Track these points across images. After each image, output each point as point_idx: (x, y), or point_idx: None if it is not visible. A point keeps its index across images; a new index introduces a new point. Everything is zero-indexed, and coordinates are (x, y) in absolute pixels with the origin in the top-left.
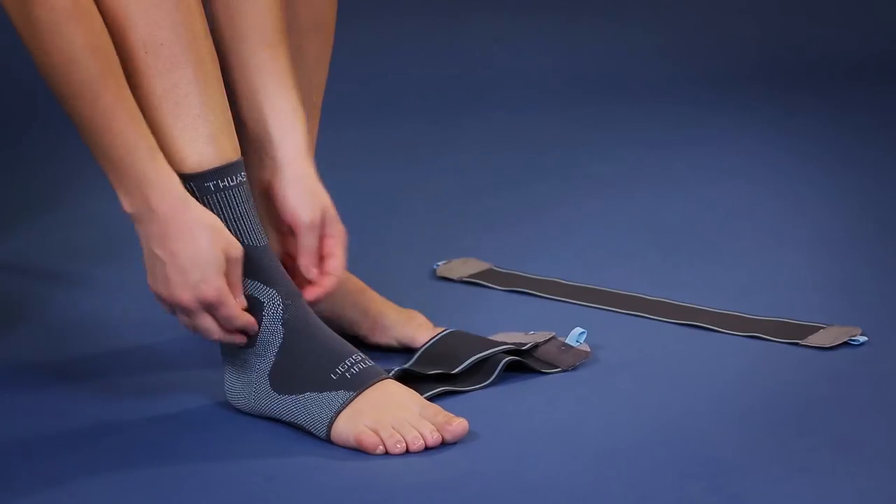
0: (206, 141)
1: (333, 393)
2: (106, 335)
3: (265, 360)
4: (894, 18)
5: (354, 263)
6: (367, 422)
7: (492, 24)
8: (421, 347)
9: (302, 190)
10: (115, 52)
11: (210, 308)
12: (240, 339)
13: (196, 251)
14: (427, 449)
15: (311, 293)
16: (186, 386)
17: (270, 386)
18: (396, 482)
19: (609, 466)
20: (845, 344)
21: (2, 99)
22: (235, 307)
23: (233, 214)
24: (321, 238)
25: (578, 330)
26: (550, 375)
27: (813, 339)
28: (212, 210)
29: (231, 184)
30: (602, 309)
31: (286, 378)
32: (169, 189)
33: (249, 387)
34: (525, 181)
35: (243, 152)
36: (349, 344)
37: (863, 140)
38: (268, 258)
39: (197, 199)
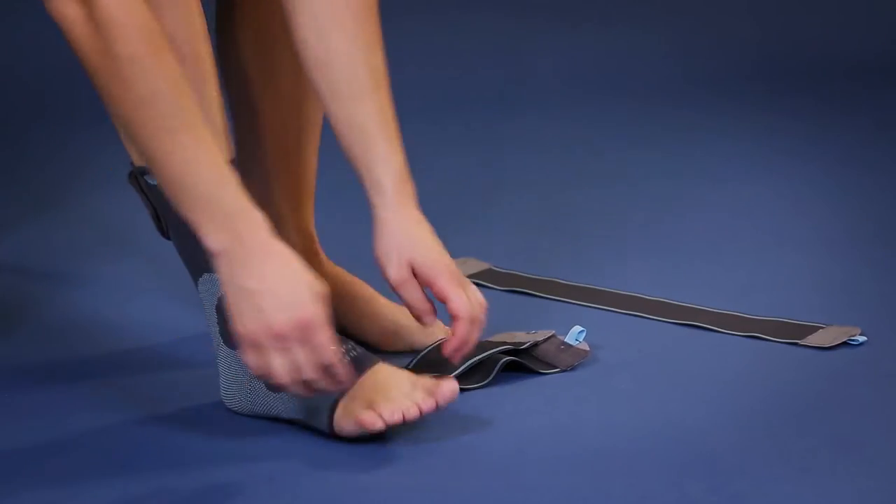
0: None
1: None
2: (106, 335)
3: None
4: (894, 18)
5: (355, 264)
6: (363, 405)
7: (492, 24)
8: (419, 353)
9: (386, 248)
10: (189, 87)
11: (306, 333)
12: (329, 384)
13: (288, 274)
14: (422, 415)
15: (446, 348)
16: (186, 386)
17: (266, 386)
18: (396, 483)
19: (609, 466)
20: (844, 344)
21: (3, 99)
22: (331, 335)
23: None
24: (429, 285)
25: (578, 328)
26: (550, 375)
27: (812, 339)
28: None
29: None
30: (602, 309)
31: None
32: (258, 221)
33: (245, 388)
34: (524, 181)
35: None
36: (339, 335)
37: (863, 140)
38: None
39: None
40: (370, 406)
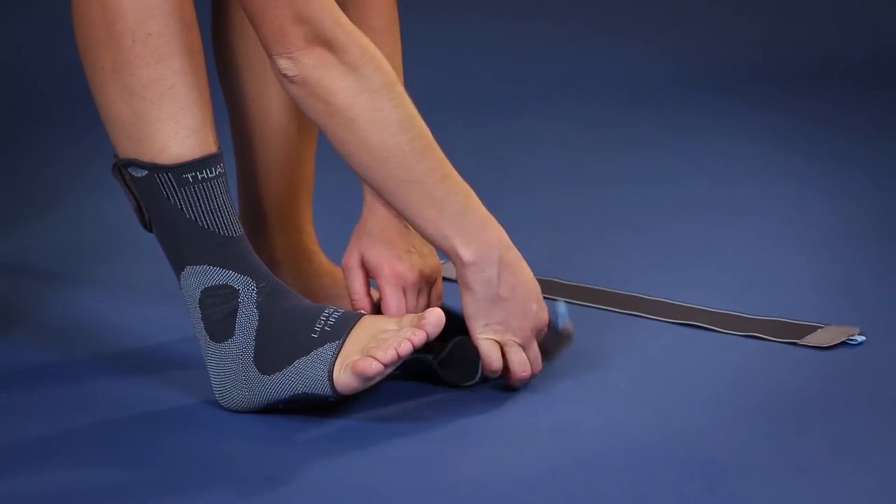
0: (187, 133)
1: (321, 348)
2: (105, 335)
3: (246, 347)
4: (894, 18)
5: None
6: (357, 356)
7: (491, 24)
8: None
9: (352, 236)
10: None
11: (538, 334)
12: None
13: (529, 281)
14: (415, 348)
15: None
16: (185, 386)
17: (259, 371)
18: (395, 483)
19: (607, 466)
20: (843, 343)
21: (3, 99)
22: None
23: (210, 206)
24: (375, 280)
25: (561, 306)
26: (548, 374)
27: (811, 339)
28: (189, 201)
29: (210, 175)
30: (601, 309)
31: (272, 356)
32: (499, 229)
33: (239, 383)
34: (523, 182)
35: None
36: (319, 303)
37: (862, 140)
38: (243, 248)
39: (174, 190)
40: (363, 351)
